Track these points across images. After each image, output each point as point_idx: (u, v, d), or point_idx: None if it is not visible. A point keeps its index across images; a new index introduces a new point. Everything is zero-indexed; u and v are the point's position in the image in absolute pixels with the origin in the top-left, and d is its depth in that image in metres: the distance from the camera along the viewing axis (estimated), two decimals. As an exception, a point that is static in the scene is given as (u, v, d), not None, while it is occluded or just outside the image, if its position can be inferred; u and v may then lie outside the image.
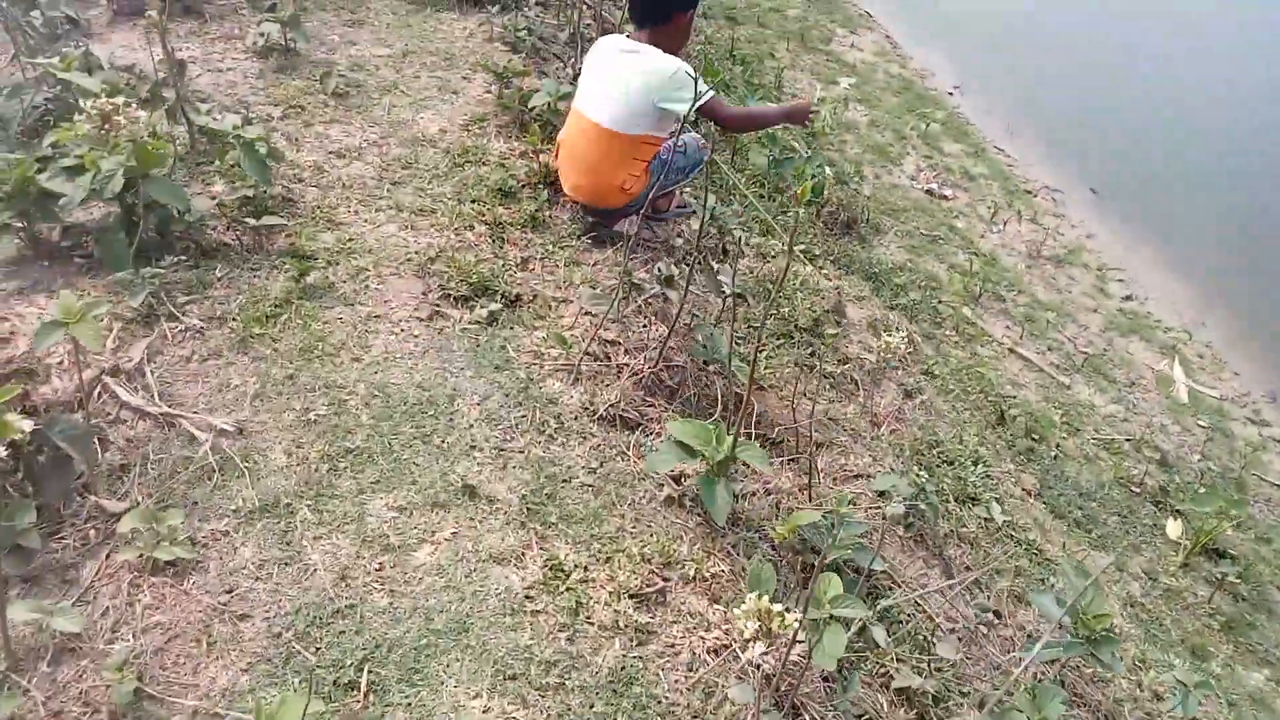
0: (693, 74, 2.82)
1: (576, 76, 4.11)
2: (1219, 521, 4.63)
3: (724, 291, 3.33)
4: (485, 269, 3.70)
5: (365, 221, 3.94)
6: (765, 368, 3.81)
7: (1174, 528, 4.92)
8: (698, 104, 2.97)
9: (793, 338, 4.10)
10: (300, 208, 3.91)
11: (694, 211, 4.48)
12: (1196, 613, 4.49)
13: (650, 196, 3.57)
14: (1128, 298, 7.01)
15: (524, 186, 4.26)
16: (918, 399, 4.38)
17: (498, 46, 5.83)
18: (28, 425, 2.11)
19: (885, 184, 7.42)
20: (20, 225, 3.16)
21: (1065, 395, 5.79)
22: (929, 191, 7.50)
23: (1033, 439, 5.18)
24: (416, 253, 3.79)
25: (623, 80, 3.53)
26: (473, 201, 4.10)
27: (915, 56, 9.73)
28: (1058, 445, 5.28)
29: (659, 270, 3.59)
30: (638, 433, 3.24)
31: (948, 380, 5.24)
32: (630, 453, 3.12)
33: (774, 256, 4.79)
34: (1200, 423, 5.93)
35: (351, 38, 5.64)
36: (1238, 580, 4.57)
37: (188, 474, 2.69)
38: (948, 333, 5.98)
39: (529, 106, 4.49)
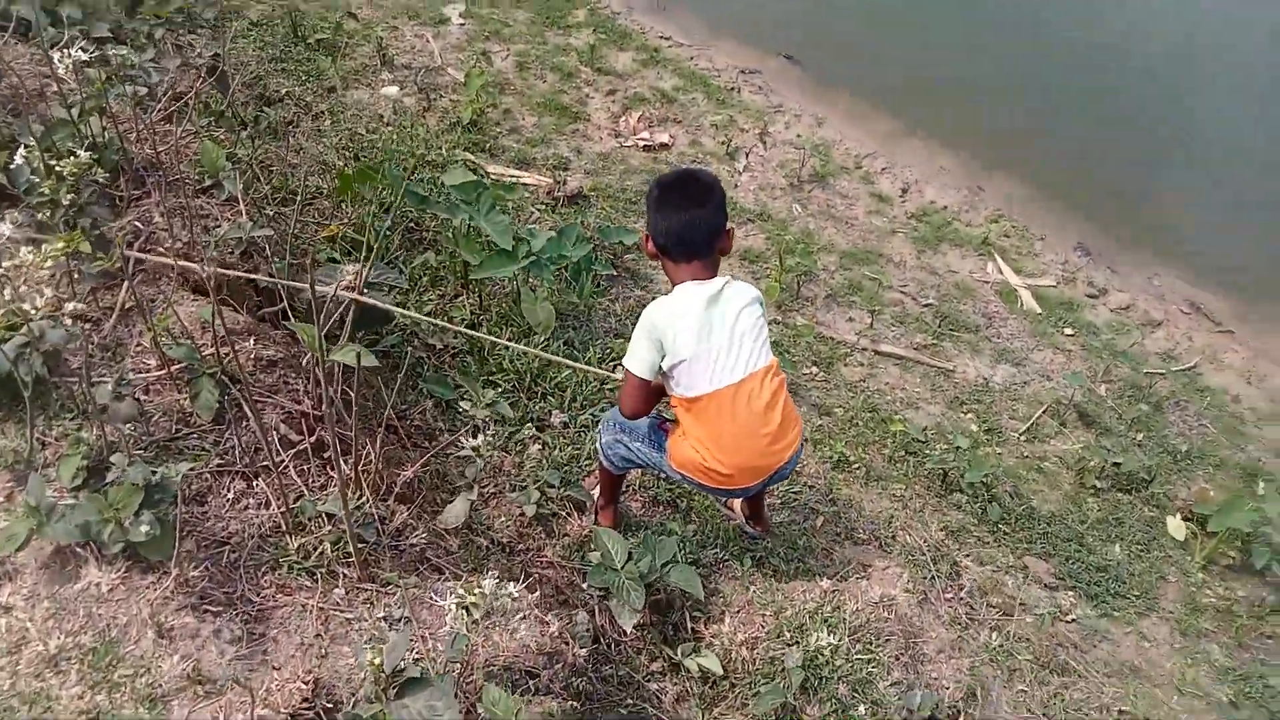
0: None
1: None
2: (1240, 526, 3.98)
3: None
4: None
5: None
6: None
7: (1176, 526, 4.24)
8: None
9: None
10: None
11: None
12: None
13: None
14: (904, 191, 6.01)
15: None
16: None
17: None
18: None
19: (593, 157, 5.55)
20: None
21: (956, 386, 4.78)
22: (646, 147, 5.76)
23: (987, 489, 4.15)
24: None
25: (732, 318, 2.48)
26: None
27: (500, -66, 7.42)
28: (1003, 472, 4.31)
29: None
30: None
31: (858, 451, 3.98)
32: None
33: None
34: (1067, 331, 5.27)
35: None
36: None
37: None
38: (809, 369, 4.62)
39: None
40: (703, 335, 2.42)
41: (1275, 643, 3.89)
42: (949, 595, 2.96)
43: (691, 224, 2.43)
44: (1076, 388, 4.77)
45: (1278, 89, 6.91)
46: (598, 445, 2.85)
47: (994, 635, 2.92)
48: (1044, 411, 4.70)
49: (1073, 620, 3.66)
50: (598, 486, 3.02)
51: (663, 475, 3.03)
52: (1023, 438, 4.59)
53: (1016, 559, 3.86)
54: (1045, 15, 7.42)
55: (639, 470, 3.02)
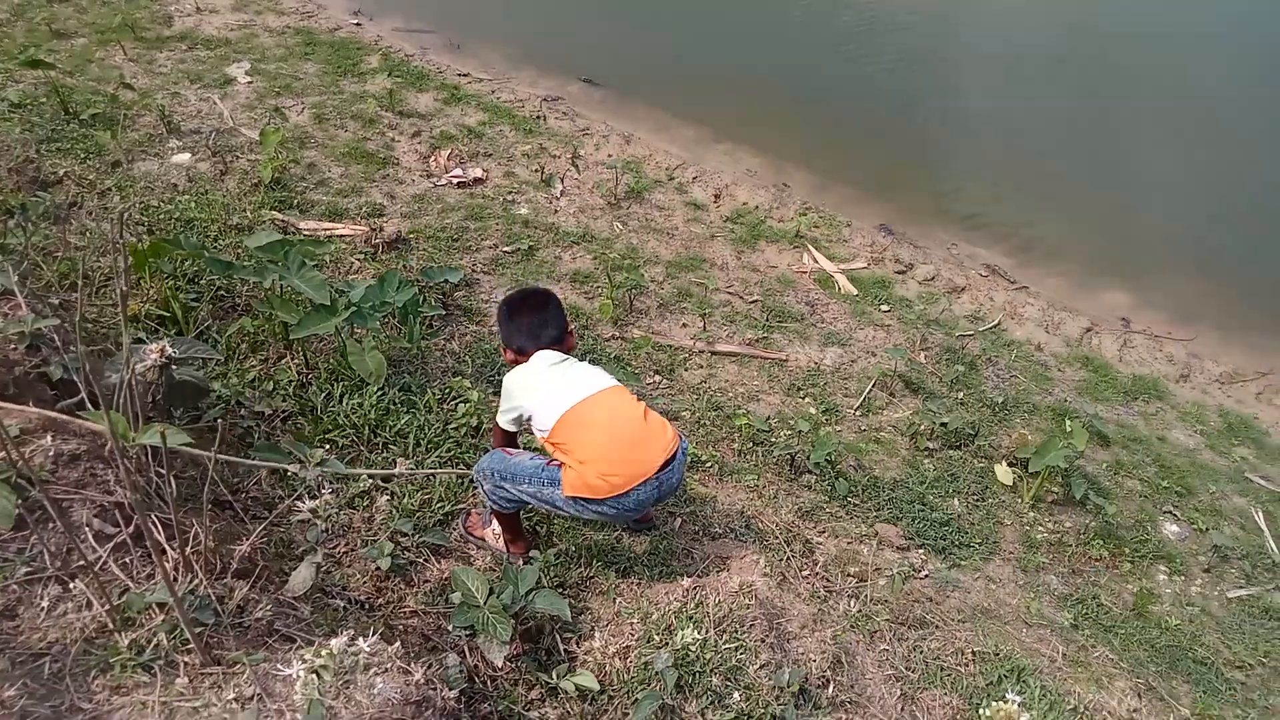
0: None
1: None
2: (1057, 464, 4.33)
3: None
4: None
5: None
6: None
7: (1004, 473, 4.56)
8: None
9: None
10: None
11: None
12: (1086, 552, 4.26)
13: None
14: (717, 196, 6.24)
15: None
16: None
17: None
18: None
19: (408, 200, 5.50)
20: None
21: (791, 374, 4.99)
22: (461, 184, 5.74)
23: (832, 467, 4.35)
24: None
25: (573, 369, 2.90)
26: None
27: (280, -13, 7.25)
28: (845, 448, 4.52)
29: None
30: None
31: (708, 450, 4.09)
32: None
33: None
34: (883, 308, 5.59)
35: None
36: (1070, 486, 4.43)
37: None
38: (652, 378, 4.72)
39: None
40: (549, 387, 2.77)
41: (1102, 564, 4.25)
42: (806, 573, 3.08)
43: (541, 323, 2.92)
44: (899, 359, 5.07)
45: (1033, 63, 7.61)
46: (482, 494, 2.89)
47: (853, 603, 3.06)
48: (873, 385, 4.97)
49: (926, 576, 3.87)
50: (490, 528, 3.03)
51: (554, 511, 2.92)
52: (858, 413, 4.84)
53: (868, 527, 4.05)
54: (821, 18, 7.90)
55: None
